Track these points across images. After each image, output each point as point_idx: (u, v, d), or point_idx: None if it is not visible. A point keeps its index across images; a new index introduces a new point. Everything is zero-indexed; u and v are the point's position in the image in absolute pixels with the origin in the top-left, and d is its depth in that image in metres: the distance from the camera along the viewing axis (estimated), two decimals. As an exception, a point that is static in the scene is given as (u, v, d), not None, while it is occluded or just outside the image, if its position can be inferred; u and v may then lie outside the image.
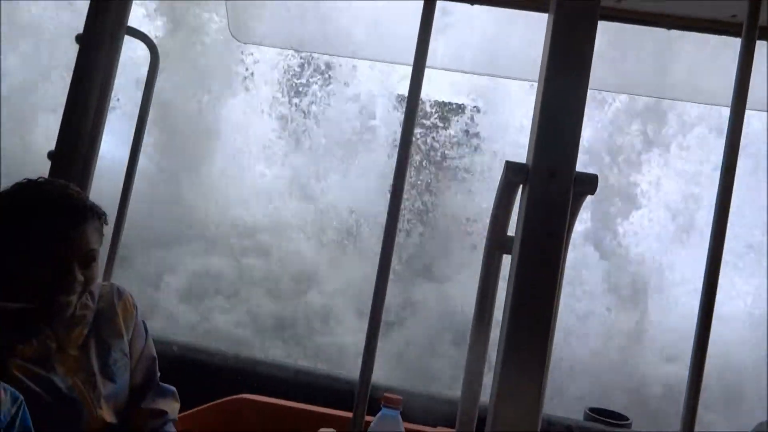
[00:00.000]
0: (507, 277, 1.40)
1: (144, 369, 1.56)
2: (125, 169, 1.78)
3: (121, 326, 1.53)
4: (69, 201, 1.42)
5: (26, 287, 1.35)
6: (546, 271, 1.31)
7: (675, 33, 1.73)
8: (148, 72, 1.77)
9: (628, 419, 3.35)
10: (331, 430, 1.53)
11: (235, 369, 3.02)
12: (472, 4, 1.86)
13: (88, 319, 1.47)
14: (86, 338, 1.46)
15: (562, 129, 1.35)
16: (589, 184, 1.35)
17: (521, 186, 1.38)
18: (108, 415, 1.43)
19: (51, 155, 1.68)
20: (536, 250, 1.32)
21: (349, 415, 1.52)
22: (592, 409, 3.40)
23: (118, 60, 1.69)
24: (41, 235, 1.36)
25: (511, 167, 1.36)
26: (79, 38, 1.68)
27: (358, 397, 1.43)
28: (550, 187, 1.30)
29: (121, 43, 1.70)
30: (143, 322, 1.59)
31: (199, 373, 2.93)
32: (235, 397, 1.74)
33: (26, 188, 1.43)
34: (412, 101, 1.69)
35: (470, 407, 1.65)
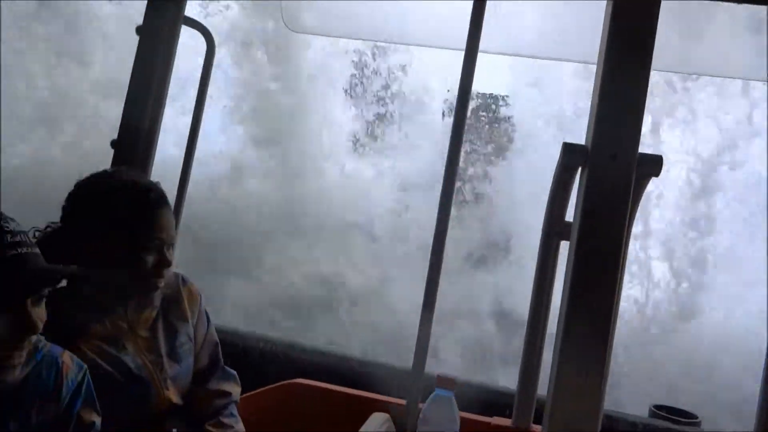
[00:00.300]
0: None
1: (208, 353, 1.62)
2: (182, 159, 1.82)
3: (187, 311, 1.58)
4: (156, 189, 1.49)
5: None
6: (607, 258, 1.25)
7: (744, 7, 1.62)
8: (205, 61, 1.80)
9: (696, 417, 3.18)
10: (385, 414, 1.52)
11: (287, 356, 3.08)
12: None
13: (156, 302, 1.53)
14: (154, 321, 1.52)
15: (624, 109, 1.29)
16: (653, 165, 1.29)
17: (580, 169, 1.33)
18: (174, 396, 1.48)
19: (114, 144, 1.74)
20: (596, 236, 1.26)
21: (401, 402, 1.52)
22: (657, 407, 3.25)
23: (175, 49, 1.73)
24: (142, 223, 1.43)
25: (568, 149, 1.31)
26: (139, 29, 1.73)
27: (413, 382, 1.42)
28: (611, 168, 1.25)
29: (179, 33, 1.73)
30: (206, 310, 1.64)
31: (253, 358, 3.01)
32: (290, 381, 1.76)
33: (111, 178, 1.48)
34: (465, 88, 1.65)
35: (527, 399, 1.61)
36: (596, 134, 1.29)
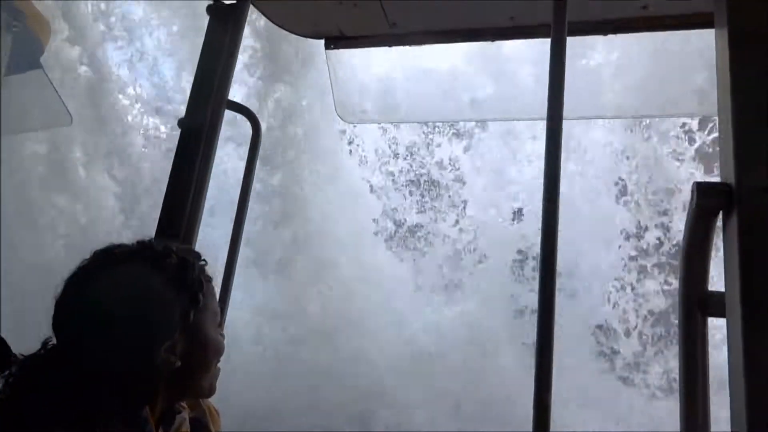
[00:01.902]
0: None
1: None
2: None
3: None
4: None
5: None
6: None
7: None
8: (250, 146, 1.66)
9: None
10: None
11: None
12: (605, 34, 1.61)
13: (187, 419, 1.24)
14: None
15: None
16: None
17: (720, 213, 1.02)
18: None
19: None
20: (763, 304, 0.92)
21: None
22: None
23: (218, 136, 1.59)
24: (213, 298, 1.21)
25: (703, 189, 1.01)
26: (181, 122, 1.61)
27: None
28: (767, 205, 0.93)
29: (222, 119, 1.61)
30: None
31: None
32: None
33: (157, 248, 1.15)
34: (553, 161, 1.40)
35: None
36: (738, 166, 0.99)
